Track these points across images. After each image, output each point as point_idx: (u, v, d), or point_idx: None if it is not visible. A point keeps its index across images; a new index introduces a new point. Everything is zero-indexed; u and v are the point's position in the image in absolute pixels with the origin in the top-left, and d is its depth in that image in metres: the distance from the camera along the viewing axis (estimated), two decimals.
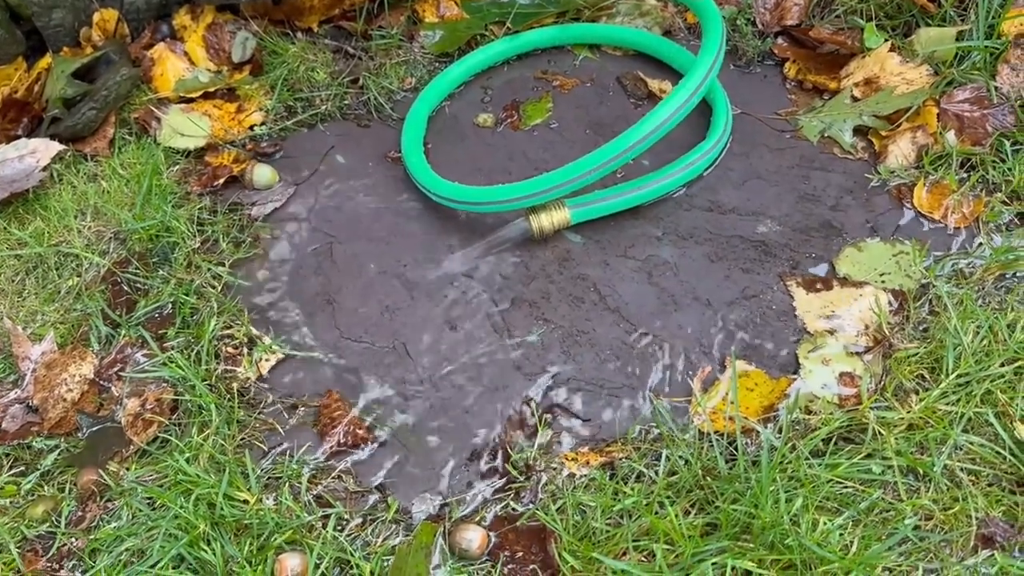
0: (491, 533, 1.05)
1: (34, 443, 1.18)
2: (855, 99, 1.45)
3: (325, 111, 1.56)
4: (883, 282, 1.23)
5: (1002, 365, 1.09)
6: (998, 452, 1.04)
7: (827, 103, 1.47)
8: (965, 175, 1.33)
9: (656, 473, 1.07)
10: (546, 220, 1.31)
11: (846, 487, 1.02)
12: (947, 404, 1.07)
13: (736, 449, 1.06)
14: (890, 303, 1.20)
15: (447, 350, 1.24)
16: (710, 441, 1.08)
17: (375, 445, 1.15)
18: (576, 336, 1.23)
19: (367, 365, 1.23)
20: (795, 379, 1.14)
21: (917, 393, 1.09)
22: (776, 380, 1.15)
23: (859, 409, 1.08)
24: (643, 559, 0.99)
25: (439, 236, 1.38)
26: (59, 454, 1.17)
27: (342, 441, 1.15)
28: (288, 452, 1.15)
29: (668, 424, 1.12)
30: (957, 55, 1.43)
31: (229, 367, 1.22)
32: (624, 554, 1.00)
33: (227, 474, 1.07)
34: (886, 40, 1.48)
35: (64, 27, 1.62)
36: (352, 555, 1.03)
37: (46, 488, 1.13)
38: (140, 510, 1.07)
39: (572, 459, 1.11)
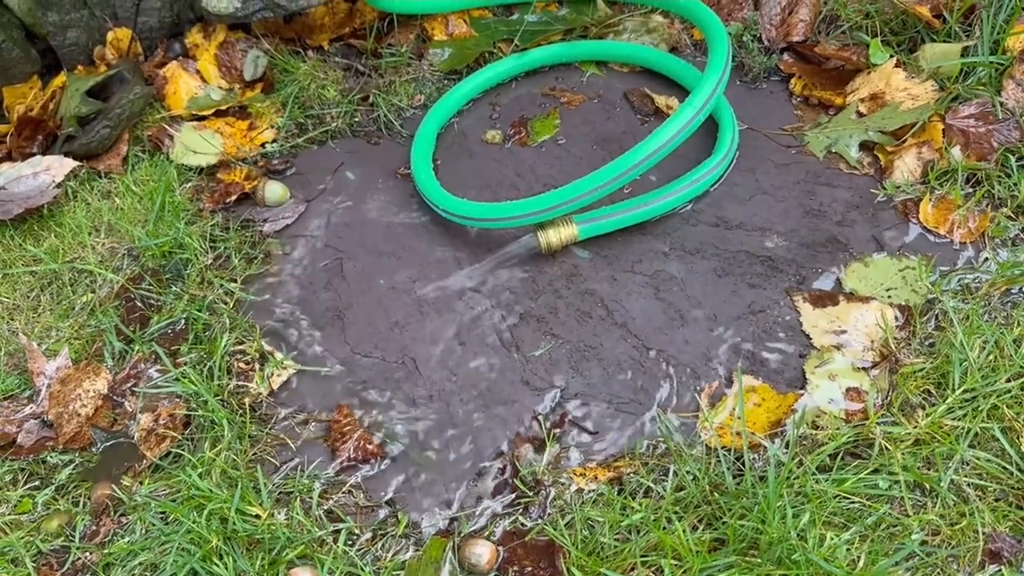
0: (500, 548, 1.06)
1: (49, 458, 1.20)
2: (861, 115, 1.46)
3: (335, 128, 1.58)
4: (889, 297, 1.24)
5: (1008, 380, 1.10)
6: (1005, 467, 1.04)
7: (833, 119, 1.48)
8: (971, 190, 1.34)
9: (664, 488, 1.07)
10: (554, 236, 1.32)
11: (853, 502, 1.03)
12: (953, 419, 1.08)
13: (743, 464, 1.06)
14: (896, 318, 1.21)
15: (456, 365, 1.25)
16: (717, 456, 1.09)
17: (385, 460, 1.16)
18: (584, 351, 1.24)
19: (377, 380, 1.25)
20: (802, 394, 1.15)
21: (923, 408, 1.10)
22: (783, 395, 1.16)
23: (866, 424, 1.09)
24: (651, 574, 1.00)
25: (448, 252, 1.39)
26: (73, 469, 1.18)
27: (352, 456, 1.16)
28: (299, 467, 1.16)
29: (675, 439, 1.13)
30: (962, 71, 1.44)
31: (241, 382, 1.23)
32: (632, 569, 1.00)
33: (239, 489, 1.08)
34: (891, 56, 1.49)
35: (78, 46, 1.64)
36: (362, 570, 1.04)
37: (61, 502, 1.15)
38: (153, 524, 1.09)
39: (580, 474, 1.11)
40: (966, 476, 1.04)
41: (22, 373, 1.29)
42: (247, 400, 1.22)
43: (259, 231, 1.44)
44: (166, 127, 1.56)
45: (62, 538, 1.11)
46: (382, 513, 1.11)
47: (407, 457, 1.17)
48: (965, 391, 1.10)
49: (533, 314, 1.29)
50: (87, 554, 1.09)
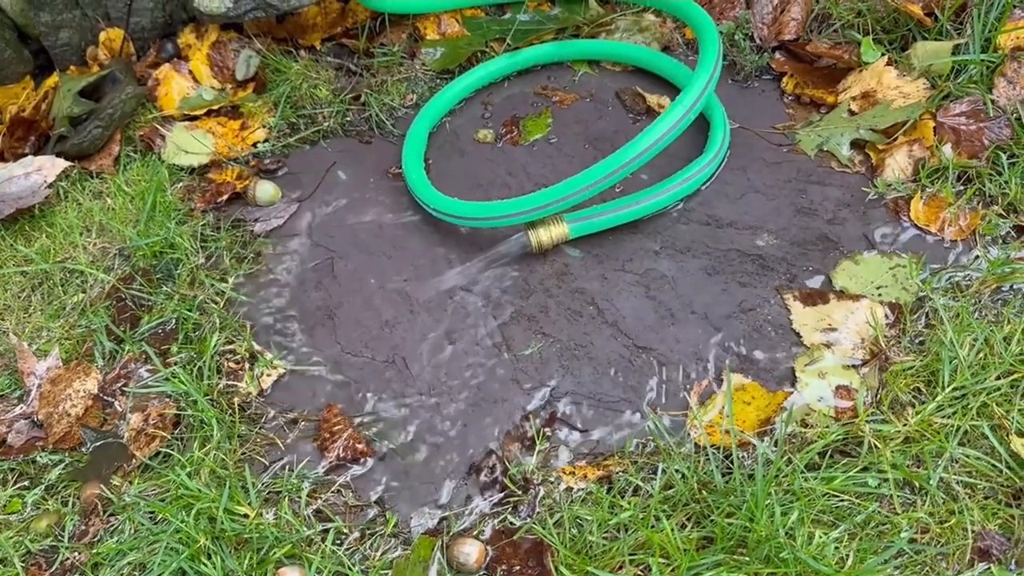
0: (489, 547, 1.06)
1: (38, 458, 1.19)
2: (852, 113, 1.46)
3: (327, 128, 1.58)
4: (879, 295, 1.24)
5: (998, 378, 1.09)
6: (994, 465, 1.04)
7: (824, 117, 1.48)
8: (962, 188, 1.34)
9: (652, 487, 1.07)
10: (545, 235, 1.32)
11: (842, 500, 1.02)
12: (943, 417, 1.08)
13: (732, 462, 1.06)
14: (886, 316, 1.21)
15: (446, 364, 1.25)
16: (706, 455, 1.09)
17: (374, 459, 1.16)
18: (574, 350, 1.24)
19: (367, 379, 1.25)
20: (791, 392, 1.15)
21: (913, 406, 1.10)
22: (773, 393, 1.16)
23: (855, 422, 1.09)
24: (639, 573, 1.00)
25: (439, 251, 1.39)
26: (63, 469, 1.18)
27: (342, 455, 1.16)
28: (288, 466, 1.16)
29: (665, 438, 1.13)
30: (954, 68, 1.44)
31: (231, 382, 1.23)
32: (620, 568, 1.00)
33: (228, 488, 1.08)
34: (883, 54, 1.49)
35: (71, 46, 1.64)
36: (351, 569, 1.04)
37: (50, 502, 1.15)
38: (142, 524, 1.08)
39: (570, 473, 1.11)
40: (955, 474, 1.04)
41: (12, 373, 1.29)
42: (237, 400, 1.21)
43: (250, 231, 1.44)
44: (158, 127, 1.56)
45: (51, 538, 1.11)
46: (371, 512, 1.11)
47: (396, 456, 1.16)
48: (955, 389, 1.09)
49: (524, 313, 1.29)
50: (76, 554, 1.09)
